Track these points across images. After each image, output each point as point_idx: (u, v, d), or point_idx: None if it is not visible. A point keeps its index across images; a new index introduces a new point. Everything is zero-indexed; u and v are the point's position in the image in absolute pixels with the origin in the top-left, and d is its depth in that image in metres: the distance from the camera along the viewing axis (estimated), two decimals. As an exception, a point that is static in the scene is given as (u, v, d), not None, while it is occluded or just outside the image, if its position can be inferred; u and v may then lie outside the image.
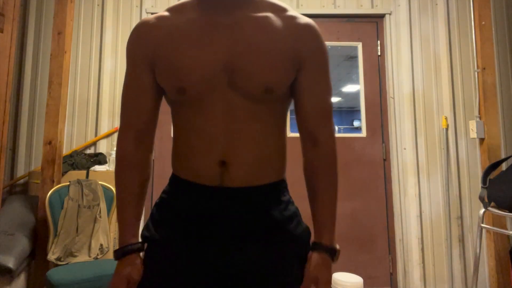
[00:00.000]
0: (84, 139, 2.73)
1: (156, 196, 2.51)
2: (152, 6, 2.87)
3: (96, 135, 2.74)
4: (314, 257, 0.82)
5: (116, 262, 0.83)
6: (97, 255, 2.17)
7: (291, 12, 0.85)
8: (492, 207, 2.01)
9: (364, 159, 2.77)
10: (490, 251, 2.42)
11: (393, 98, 2.78)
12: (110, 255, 2.25)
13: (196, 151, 0.81)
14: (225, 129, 0.79)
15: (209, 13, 0.82)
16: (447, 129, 2.72)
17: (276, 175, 0.86)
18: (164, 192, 0.90)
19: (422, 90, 2.77)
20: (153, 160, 2.71)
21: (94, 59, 2.81)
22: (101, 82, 2.79)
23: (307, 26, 0.84)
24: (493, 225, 2.34)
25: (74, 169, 2.50)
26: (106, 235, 2.24)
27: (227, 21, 0.81)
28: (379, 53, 2.85)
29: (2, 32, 1.92)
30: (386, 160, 2.77)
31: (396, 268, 2.65)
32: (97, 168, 2.50)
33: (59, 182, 2.35)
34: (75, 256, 2.12)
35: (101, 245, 2.20)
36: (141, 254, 0.84)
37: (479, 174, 2.60)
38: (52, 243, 2.13)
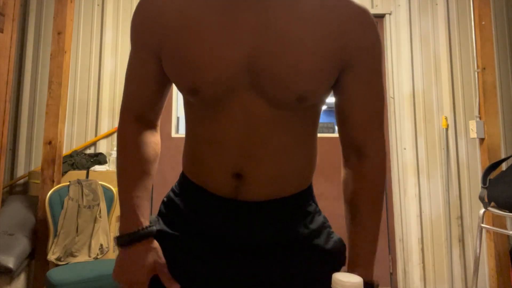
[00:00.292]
0: (84, 139, 2.73)
1: (156, 195, 2.51)
2: (152, 6, 2.87)
3: (96, 135, 2.74)
4: None
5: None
6: (97, 255, 2.17)
7: None
8: (492, 207, 2.01)
9: (364, 159, 2.77)
10: (490, 251, 2.42)
11: (393, 98, 2.78)
12: (110, 255, 2.25)
13: (208, 159, 0.70)
14: (242, 139, 0.65)
15: None
16: (447, 129, 2.72)
17: (302, 184, 0.74)
18: (173, 192, 0.80)
19: (422, 90, 2.77)
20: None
21: (94, 59, 2.81)
22: (101, 82, 2.79)
23: (358, 13, 0.66)
24: (493, 225, 2.34)
25: (74, 169, 2.50)
26: (106, 235, 2.24)
27: (253, 4, 0.64)
28: (379, 53, 2.85)
29: (2, 32, 1.91)
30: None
31: (396, 268, 2.65)
32: (97, 168, 2.50)
33: (59, 182, 2.35)
34: (75, 256, 2.12)
35: (101, 245, 2.20)
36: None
37: (479, 174, 2.60)
38: (52, 243, 2.13)
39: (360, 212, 0.70)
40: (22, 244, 2.10)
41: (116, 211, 2.33)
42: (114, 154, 2.62)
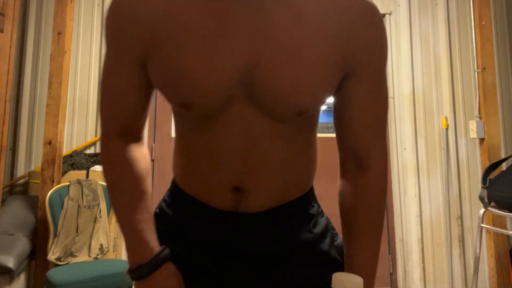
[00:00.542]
0: (84, 139, 2.73)
1: (156, 195, 2.51)
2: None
3: (96, 135, 2.74)
4: None
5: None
6: (97, 255, 2.17)
7: None
8: (492, 207, 2.01)
9: (364, 159, 2.77)
10: (490, 251, 2.42)
11: (393, 98, 2.78)
12: (110, 255, 2.25)
13: (204, 173, 0.65)
14: (240, 152, 0.61)
15: None
16: (447, 129, 2.72)
17: (304, 188, 0.71)
18: (165, 202, 0.75)
19: (422, 90, 2.77)
20: (153, 160, 2.71)
21: (94, 59, 2.81)
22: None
23: (365, 13, 0.59)
24: (493, 225, 2.34)
25: (74, 169, 2.50)
26: (106, 235, 2.24)
27: (249, 8, 0.56)
28: (379, 53, 2.85)
29: (2, 32, 1.91)
30: (386, 160, 2.76)
31: (396, 268, 2.65)
32: (97, 168, 2.50)
33: (59, 182, 2.35)
34: (75, 256, 2.12)
35: (101, 245, 2.20)
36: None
37: (479, 174, 2.60)
38: (52, 243, 2.13)
39: (359, 230, 0.65)
40: (22, 244, 2.10)
41: (116, 211, 2.33)
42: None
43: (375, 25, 0.60)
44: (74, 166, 2.51)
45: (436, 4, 2.84)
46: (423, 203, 2.68)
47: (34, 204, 2.35)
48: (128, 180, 0.65)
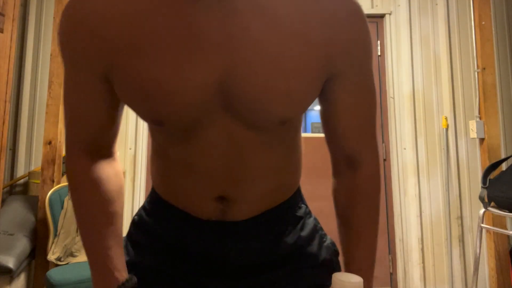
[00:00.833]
0: (84, 139, 2.73)
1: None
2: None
3: (96, 135, 2.74)
4: None
5: None
6: (97, 255, 2.17)
7: None
8: (492, 207, 2.01)
9: (364, 159, 2.77)
10: (490, 251, 2.42)
11: (393, 98, 2.78)
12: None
13: (185, 184, 0.62)
14: (222, 164, 0.58)
15: None
16: (447, 129, 2.72)
17: (290, 191, 0.69)
18: (145, 210, 0.71)
19: (422, 90, 2.77)
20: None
21: (94, 59, 2.80)
22: (101, 82, 2.79)
23: (344, 14, 0.55)
24: (493, 225, 2.34)
25: (74, 169, 2.49)
26: (106, 235, 2.24)
27: (220, 12, 0.50)
28: (379, 53, 2.85)
29: (2, 32, 1.91)
30: (386, 160, 2.77)
31: (396, 268, 2.65)
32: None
33: (59, 182, 2.35)
34: (75, 256, 2.12)
35: (101, 245, 2.20)
36: None
37: (479, 174, 2.60)
38: (52, 243, 2.13)
39: (356, 227, 0.65)
40: (22, 244, 2.10)
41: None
42: (114, 154, 2.63)
43: (356, 26, 0.56)
44: (74, 166, 2.51)
45: (436, 4, 2.84)
46: (423, 203, 2.68)
47: (34, 204, 2.35)
48: (94, 203, 0.60)
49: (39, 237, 2.25)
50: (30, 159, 2.71)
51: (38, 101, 2.76)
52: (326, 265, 0.67)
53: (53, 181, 2.33)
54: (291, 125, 0.62)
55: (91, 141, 0.60)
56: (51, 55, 2.43)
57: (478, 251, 2.09)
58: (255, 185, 0.62)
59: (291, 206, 0.69)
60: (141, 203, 0.97)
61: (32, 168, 2.69)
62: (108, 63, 0.53)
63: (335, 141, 0.65)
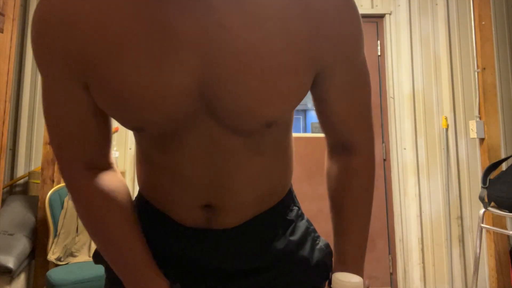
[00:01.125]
0: (84, 139, 2.73)
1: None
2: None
3: (96, 135, 2.74)
4: None
5: None
6: (97, 255, 2.17)
7: None
8: (492, 207, 2.01)
9: (364, 159, 2.77)
10: (490, 251, 2.42)
11: (393, 98, 2.78)
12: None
13: (170, 191, 0.60)
14: (208, 170, 0.56)
15: None
16: (447, 129, 2.72)
17: (281, 194, 0.67)
18: None
19: (422, 90, 2.77)
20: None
21: (94, 59, 2.80)
22: (101, 82, 2.79)
23: (332, 7, 0.52)
24: (493, 225, 2.34)
25: (74, 169, 2.49)
26: (106, 235, 2.24)
27: (196, 11, 0.47)
28: (379, 53, 2.85)
29: (2, 32, 1.92)
30: (386, 160, 2.77)
31: (396, 268, 2.65)
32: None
33: (59, 182, 2.35)
34: (75, 256, 2.12)
35: (101, 245, 2.20)
36: None
37: (479, 174, 2.60)
38: (52, 243, 2.13)
39: (349, 211, 0.64)
40: (22, 244, 2.10)
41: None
42: (114, 154, 2.62)
43: (345, 19, 0.53)
44: (74, 166, 2.51)
45: (436, 4, 2.84)
46: (423, 203, 2.68)
47: (34, 204, 2.35)
48: (115, 216, 0.57)
49: (39, 237, 2.25)
50: (30, 159, 2.71)
51: (38, 101, 2.76)
52: (319, 268, 0.65)
53: (53, 181, 2.33)
54: (279, 126, 0.59)
55: (85, 157, 0.57)
56: (51, 55, 2.43)
57: (478, 251, 2.09)
58: (242, 193, 0.59)
59: (281, 210, 0.66)
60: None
61: (32, 168, 2.69)
62: (84, 69, 0.50)
63: (330, 129, 0.64)
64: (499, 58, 2.78)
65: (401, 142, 2.73)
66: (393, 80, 2.79)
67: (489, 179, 2.08)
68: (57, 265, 2.06)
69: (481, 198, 2.05)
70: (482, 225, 2.09)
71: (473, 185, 2.66)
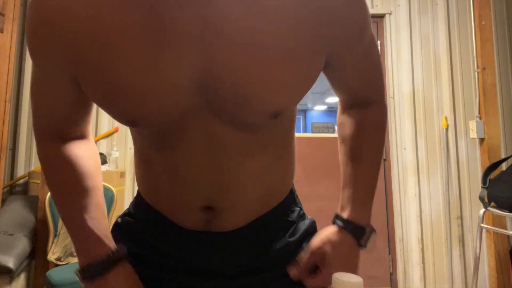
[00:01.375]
0: (84, 139, 2.73)
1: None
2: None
3: (95, 135, 2.74)
4: (329, 233, 0.60)
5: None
6: (97, 255, 2.16)
7: None
8: (492, 207, 2.01)
9: (364, 159, 2.77)
10: (490, 251, 2.42)
11: (393, 98, 2.78)
12: (110, 255, 2.25)
13: (170, 192, 0.59)
14: (209, 169, 0.54)
15: None
16: (447, 129, 2.72)
17: (282, 195, 0.66)
18: (130, 214, 0.67)
19: (422, 90, 2.77)
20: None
21: (94, 59, 2.80)
22: (101, 82, 2.78)
23: None
24: (493, 225, 2.34)
25: (74, 169, 2.49)
26: (106, 235, 2.24)
27: (194, 1, 0.45)
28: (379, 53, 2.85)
29: (2, 32, 1.92)
30: (386, 160, 2.77)
31: (396, 268, 2.65)
32: (97, 168, 2.49)
33: (59, 182, 2.35)
34: (75, 256, 2.12)
35: (101, 245, 2.20)
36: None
37: (479, 174, 2.60)
38: (52, 243, 2.13)
39: (362, 154, 0.65)
40: (22, 244, 2.10)
41: (116, 211, 2.33)
42: (114, 154, 2.62)
43: (354, 3, 0.52)
44: (74, 166, 2.51)
45: (436, 4, 2.84)
46: (423, 203, 2.68)
47: (34, 204, 2.35)
48: (71, 178, 0.58)
49: (39, 237, 2.25)
50: (30, 159, 2.71)
51: (38, 101, 2.75)
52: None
53: (53, 181, 2.33)
54: (281, 122, 0.58)
55: (59, 129, 0.59)
56: (51, 55, 2.43)
57: (478, 251, 2.09)
58: (243, 193, 0.57)
59: (283, 211, 0.65)
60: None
61: (32, 168, 2.69)
62: (74, 61, 0.48)
63: (344, 94, 0.67)
64: (499, 58, 2.78)
65: (401, 142, 2.73)
66: (393, 80, 2.79)
67: (489, 179, 2.08)
68: (57, 265, 2.06)
69: (481, 198, 2.05)
70: (482, 225, 2.09)
71: (473, 185, 2.66)
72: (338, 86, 0.65)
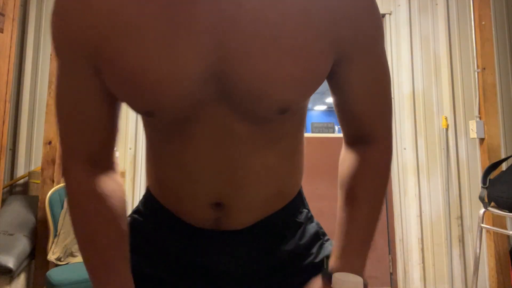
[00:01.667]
0: (84, 139, 2.73)
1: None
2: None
3: (96, 135, 2.74)
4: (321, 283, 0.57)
5: None
6: (97, 255, 2.17)
7: None
8: (492, 207, 2.01)
9: (364, 159, 2.77)
10: (490, 251, 2.42)
11: (393, 98, 2.78)
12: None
13: (179, 188, 0.59)
14: (218, 163, 0.54)
15: None
16: (447, 129, 2.72)
17: (291, 194, 0.65)
18: (139, 212, 0.67)
19: (422, 90, 2.77)
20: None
21: (94, 59, 2.80)
22: (101, 82, 2.78)
23: None
24: (493, 225, 2.34)
25: (74, 169, 2.49)
26: (106, 235, 2.24)
27: None
28: (379, 53, 2.85)
29: (2, 32, 1.92)
30: (386, 160, 2.76)
31: (396, 268, 2.65)
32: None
33: (59, 182, 2.35)
34: (75, 256, 2.12)
35: (101, 245, 2.20)
36: None
37: (479, 174, 2.60)
38: (52, 243, 2.13)
39: (358, 197, 0.60)
40: (22, 244, 2.10)
41: (116, 211, 2.33)
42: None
43: (366, 6, 0.53)
44: (74, 166, 2.51)
45: (436, 4, 2.84)
46: (423, 203, 2.68)
47: (34, 204, 2.35)
48: (101, 221, 0.55)
49: (39, 237, 2.25)
50: (30, 159, 2.71)
51: (38, 101, 2.76)
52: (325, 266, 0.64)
53: (53, 181, 2.33)
54: (291, 119, 0.58)
55: (91, 151, 0.56)
56: (51, 55, 2.43)
57: (478, 251, 2.09)
58: (254, 190, 0.57)
59: (291, 212, 0.65)
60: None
61: (32, 168, 2.69)
62: (96, 50, 0.49)
63: (347, 121, 0.62)
64: (499, 58, 2.78)
65: (401, 142, 2.73)
66: (393, 80, 2.79)
67: (489, 179, 2.08)
68: (57, 265, 2.06)
69: (481, 198, 2.05)
70: (482, 225, 2.09)
71: (473, 185, 2.66)
72: (343, 105, 0.60)
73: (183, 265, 0.61)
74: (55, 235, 2.15)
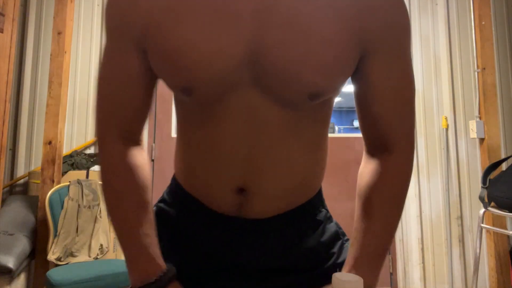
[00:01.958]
0: (84, 139, 2.73)
1: (156, 197, 2.51)
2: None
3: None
4: None
5: None
6: (97, 255, 2.17)
7: None
8: (492, 207, 2.01)
9: (364, 159, 2.77)
10: (490, 251, 2.42)
11: (393, 98, 2.78)
12: (110, 255, 2.25)
13: (205, 171, 0.61)
14: (245, 146, 0.56)
15: None
16: (447, 129, 2.72)
17: (312, 191, 0.66)
18: (165, 201, 0.70)
19: (422, 90, 2.77)
20: (153, 160, 2.71)
21: (94, 59, 2.81)
22: (101, 82, 2.78)
23: None
24: (493, 225, 2.34)
25: (74, 169, 2.50)
26: (106, 235, 2.24)
27: None
28: (379, 53, 2.85)
29: (2, 32, 1.92)
30: (386, 160, 2.77)
31: (396, 268, 2.65)
32: (97, 168, 2.50)
33: (59, 182, 2.35)
34: (75, 256, 2.12)
35: (101, 245, 2.20)
36: None
37: (479, 174, 2.60)
38: (52, 243, 2.13)
39: (376, 211, 0.59)
40: (22, 244, 2.10)
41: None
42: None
43: (395, 5, 0.55)
44: (74, 166, 2.51)
45: (436, 4, 2.84)
46: (423, 203, 2.68)
47: (34, 204, 2.35)
48: (132, 189, 0.59)
49: (39, 237, 2.25)
50: (30, 159, 2.71)
51: (38, 101, 2.76)
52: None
53: (53, 181, 2.33)
54: (319, 109, 0.60)
55: (127, 123, 0.61)
56: (51, 55, 2.43)
57: (478, 251, 2.09)
58: (276, 176, 0.59)
59: (311, 209, 0.66)
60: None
61: (32, 168, 2.69)
62: (144, 30, 0.55)
63: (368, 123, 0.62)
64: (499, 58, 2.78)
65: (401, 142, 2.73)
66: (393, 80, 2.79)
67: (489, 179, 2.08)
68: (57, 265, 2.06)
69: (481, 198, 2.05)
70: (482, 225, 2.09)
71: (473, 185, 2.66)
72: (365, 108, 0.60)
73: (204, 253, 0.63)
74: (55, 235, 2.15)
